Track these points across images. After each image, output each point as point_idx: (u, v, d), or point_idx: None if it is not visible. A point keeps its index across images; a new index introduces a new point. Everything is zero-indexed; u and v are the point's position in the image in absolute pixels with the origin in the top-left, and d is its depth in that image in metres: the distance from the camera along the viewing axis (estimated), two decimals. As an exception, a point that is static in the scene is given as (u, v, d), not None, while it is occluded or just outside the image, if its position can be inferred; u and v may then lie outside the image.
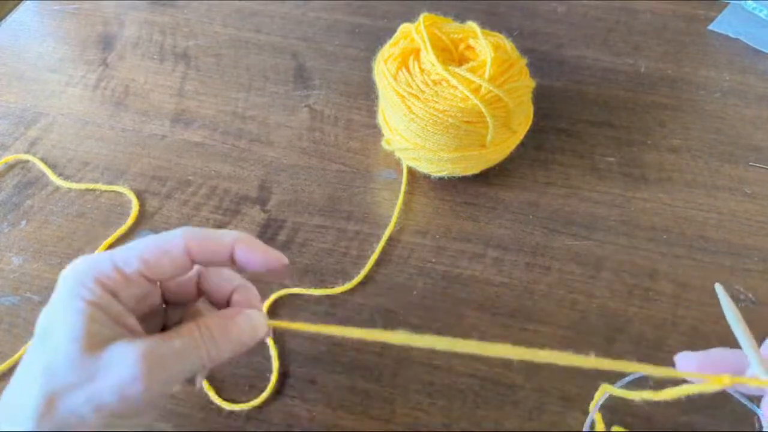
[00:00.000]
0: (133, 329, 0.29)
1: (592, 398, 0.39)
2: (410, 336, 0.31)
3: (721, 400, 0.31)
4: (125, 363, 0.27)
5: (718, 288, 0.32)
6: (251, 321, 0.31)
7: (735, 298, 0.44)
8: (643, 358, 0.41)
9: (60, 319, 0.28)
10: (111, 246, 0.47)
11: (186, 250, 0.30)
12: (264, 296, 0.45)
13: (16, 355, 0.42)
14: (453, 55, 0.49)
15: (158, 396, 0.28)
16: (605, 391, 0.33)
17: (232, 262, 0.32)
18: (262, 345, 0.42)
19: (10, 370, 0.41)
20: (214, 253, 0.31)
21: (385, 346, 0.42)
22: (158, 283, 0.32)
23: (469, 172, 0.50)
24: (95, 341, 0.28)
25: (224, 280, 0.33)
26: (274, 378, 0.41)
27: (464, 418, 0.39)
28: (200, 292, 0.33)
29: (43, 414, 0.26)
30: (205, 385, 0.40)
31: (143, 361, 0.27)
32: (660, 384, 0.29)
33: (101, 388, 0.27)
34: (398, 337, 0.31)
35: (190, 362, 0.29)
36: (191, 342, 0.29)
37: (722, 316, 0.43)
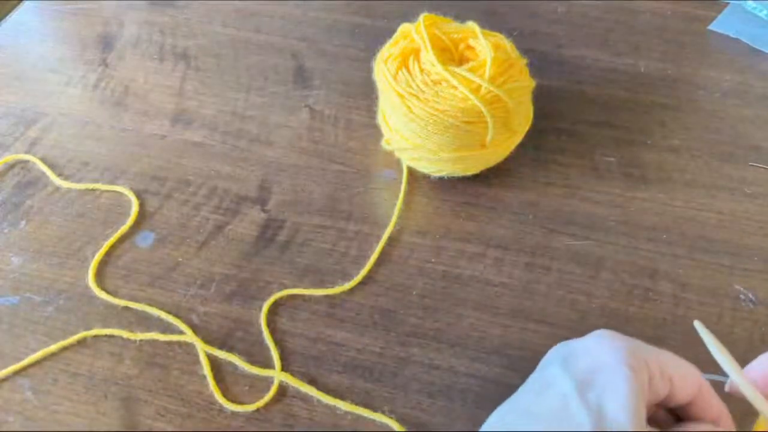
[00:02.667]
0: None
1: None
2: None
3: (723, 399, 0.31)
4: None
5: (698, 324, 0.32)
6: None
7: (735, 298, 0.44)
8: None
9: (611, 379, 0.27)
10: (113, 246, 0.47)
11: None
12: (263, 296, 0.45)
13: (27, 360, 0.42)
14: (453, 55, 0.49)
15: None
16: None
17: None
18: (261, 345, 0.43)
19: (15, 373, 0.41)
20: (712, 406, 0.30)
21: (385, 346, 0.42)
22: None
23: (469, 172, 0.50)
24: (643, 424, 0.26)
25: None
26: (276, 379, 0.41)
27: (464, 418, 0.39)
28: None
29: None
30: (211, 385, 0.41)
31: None
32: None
33: None
34: None
35: None
36: None
37: (722, 316, 0.43)
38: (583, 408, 0.26)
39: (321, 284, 0.45)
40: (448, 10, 0.54)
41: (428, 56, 0.46)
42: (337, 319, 0.44)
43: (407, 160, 0.50)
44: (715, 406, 0.30)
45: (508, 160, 0.51)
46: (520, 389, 0.30)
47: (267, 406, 0.40)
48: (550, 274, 0.46)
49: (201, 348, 0.42)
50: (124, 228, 0.48)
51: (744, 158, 0.52)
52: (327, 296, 0.45)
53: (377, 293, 0.45)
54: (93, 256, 0.47)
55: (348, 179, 0.52)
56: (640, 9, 0.66)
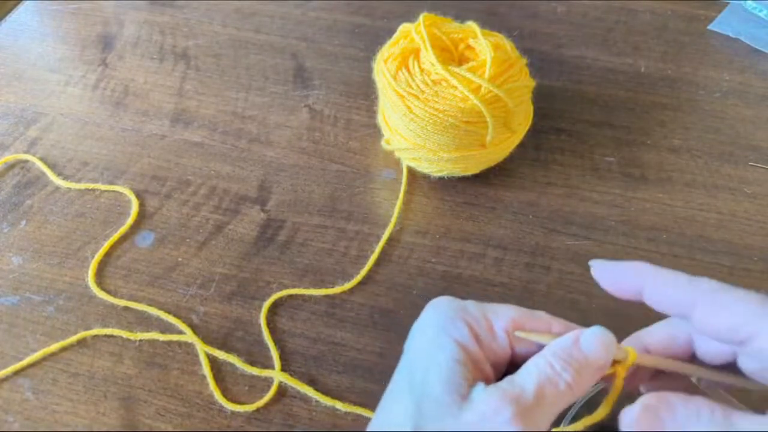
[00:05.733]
0: (488, 377, 0.29)
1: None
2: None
3: (718, 399, 0.31)
4: (495, 411, 0.26)
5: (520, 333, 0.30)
6: (597, 338, 0.28)
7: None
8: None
9: (431, 356, 0.28)
10: (113, 246, 0.47)
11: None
12: (262, 296, 0.45)
13: (27, 360, 0.42)
14: (453, 55, 0.49)
15: None
16: None
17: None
18: (261, 345, 0.43)
19: (15, 373, 0.41)
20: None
21: (385, 346, 0.42)
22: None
23: (469, 172, 0.50)
24: (463, 386, 0.27)
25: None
26: (276, 379, 0.41)
27: (464, 418, 0.39)
28: (513, 353, 0.31)
29: None
30: (211, 385, 0.41)
31: (512, 403, 0.26)
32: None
33: None
34: None
35: (554, 398, 0.27)
36: (547, 377, 0.27)
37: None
38: (409, 382, 0.28)
39: (321, 284, 0.45)
40: (448, 10, 0.54)
41: (428, 56, 0.46)
42: (337, 319, 0.44)
43: (407, 160, 0.50)
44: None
45: (508, 160, 0.51)
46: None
47: (267, 406, 0.40)
48: (550, 274, 0.46)
49: (201, 348, 0.42)
50: (123, 228, 0.48)
51: (744, 158, 0.52)
52: (327, 296, 0.45)
53: (377, 293, 0.45)
54: (93, 256, 0.47)
55: (348, 179, 0.52)
56: (640, 9, 0.66)
